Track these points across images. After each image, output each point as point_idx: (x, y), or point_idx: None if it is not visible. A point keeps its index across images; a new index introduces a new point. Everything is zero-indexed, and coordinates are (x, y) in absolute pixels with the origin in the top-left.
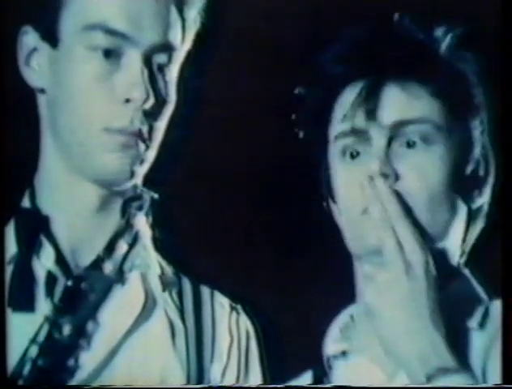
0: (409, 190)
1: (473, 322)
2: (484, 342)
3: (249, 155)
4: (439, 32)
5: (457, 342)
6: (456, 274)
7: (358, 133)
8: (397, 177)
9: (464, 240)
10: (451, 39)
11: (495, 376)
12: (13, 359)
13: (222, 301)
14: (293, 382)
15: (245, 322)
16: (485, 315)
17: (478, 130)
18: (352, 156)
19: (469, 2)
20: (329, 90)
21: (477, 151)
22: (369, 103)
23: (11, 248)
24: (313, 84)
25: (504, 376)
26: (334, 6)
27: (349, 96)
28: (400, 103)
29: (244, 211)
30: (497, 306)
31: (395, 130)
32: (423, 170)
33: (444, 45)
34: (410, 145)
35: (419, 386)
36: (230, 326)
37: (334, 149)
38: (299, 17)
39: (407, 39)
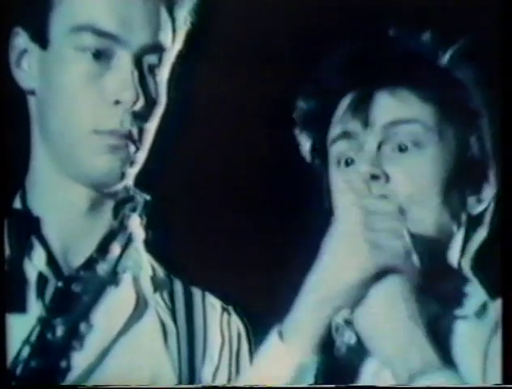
0: (401, 193)
1: (469, 312)
2: (479, 335)
3: (241, 156)
4: (433, 40)
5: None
6: (455, 275)
7: (350, 137)
8: (387, 179)
9: (465, 246)
10: (446, 47)
11: (495, 376)
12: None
13: (213, 303)
14: None
15: (237, 324)
16: (483, 308)
17: (474, 136)
18: (347, 164)
19: (462, 10)
20: (327, 102)
21: (473, 157)
22: (361, 108)
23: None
24: (311, 97)
25: (504, 376)
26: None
27: (344, 106)
28: (390, 107)
29: (235, 212)
30: (497, 305)
31: (386, 133)
32: (415, 174)
33: (438, 53)
34: (402, 149)
35: (421, 386)
36: (221, 327)
37: (331, 158)
38: (290, 17)
39: (399, 48)
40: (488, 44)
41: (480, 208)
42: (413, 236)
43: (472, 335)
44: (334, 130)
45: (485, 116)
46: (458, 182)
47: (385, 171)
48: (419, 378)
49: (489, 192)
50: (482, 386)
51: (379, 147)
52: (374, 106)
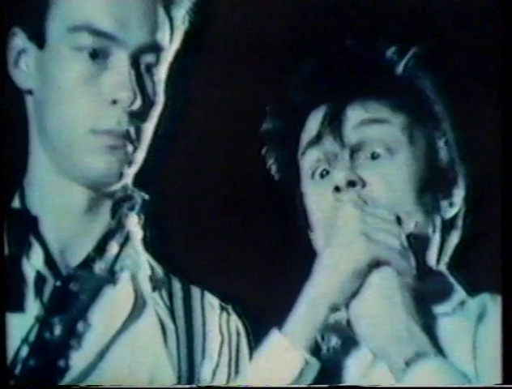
0: (377, 198)
1: (448, 308)
2: (458, 327)
3: (239, 155)
4: (394, 51)
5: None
6: (433, 274)
7: (322, 145)
8: (364, 185)
9: (441, 248)
10: (406, 57)
11: (495, 376)
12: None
13: (212, 302)
14: None
15: (236, 322)
16: (461, 304)
17: (442, 140)
18: (322, 176)
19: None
20: (294, 119)
21: (442, 162)
22: (333, 123)
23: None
24: (278, 115)
25: (504, 376)
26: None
27: (314, 120)
28: (361, 117)
29: (234, 211)
30: (477, 301)
31: (357, 135)
32: (389, 179)
33: (400, 64)
34: (374, 157)
35: (421, 386)
36: (220, 326)
37: (304, 171)
38: (286, 16)
39: (362, 62)
40: (443, 50)
41: (452, 212)
42: (407, 237)
43: (455, 330)
44: (305, 143)
45: (448, 121)
46: (431, 187)
47: (361, 177)
48: (415, 364)
49: (459, 196)
50: (482, 386)
51: (352, 155)
52: (346, 119)
